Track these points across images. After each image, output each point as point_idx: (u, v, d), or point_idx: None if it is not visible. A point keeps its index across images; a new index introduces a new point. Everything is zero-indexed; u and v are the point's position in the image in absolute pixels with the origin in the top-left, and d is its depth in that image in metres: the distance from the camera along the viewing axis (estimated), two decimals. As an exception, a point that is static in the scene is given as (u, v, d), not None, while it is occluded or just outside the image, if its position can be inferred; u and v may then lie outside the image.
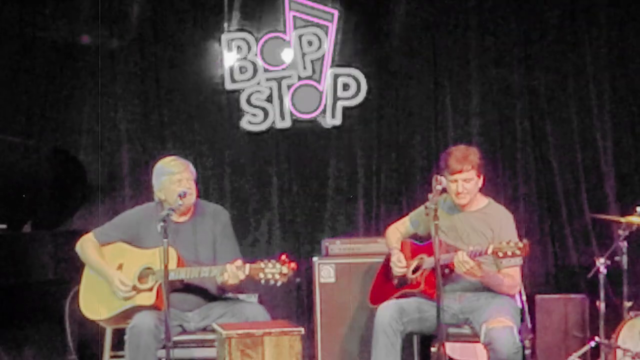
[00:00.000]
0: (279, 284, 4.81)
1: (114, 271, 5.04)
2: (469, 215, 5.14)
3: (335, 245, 6.30)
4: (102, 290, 5.07)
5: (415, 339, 5.55)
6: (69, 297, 5.56)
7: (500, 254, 4.71)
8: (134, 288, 5.01)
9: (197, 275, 4.94)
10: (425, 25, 6.87)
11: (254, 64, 6.86)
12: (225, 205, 6.64)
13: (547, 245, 6.75)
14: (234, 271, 4.83)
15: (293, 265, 4.81)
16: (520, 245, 4.69)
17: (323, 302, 6.12)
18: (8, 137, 6.32)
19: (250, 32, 6.86)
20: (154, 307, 4.92)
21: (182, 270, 4.94)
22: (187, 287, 5.06)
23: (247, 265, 4.85)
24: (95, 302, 5.11)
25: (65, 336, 6.02)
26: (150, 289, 4.98)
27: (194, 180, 5.14)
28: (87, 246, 5.17)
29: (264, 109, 6.86)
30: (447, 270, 5.00)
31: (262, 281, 4.81)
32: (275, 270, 4.79)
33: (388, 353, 4.96)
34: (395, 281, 5.29)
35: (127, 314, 4.99)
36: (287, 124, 6.87)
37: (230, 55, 6.85)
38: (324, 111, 6.87)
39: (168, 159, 5.22)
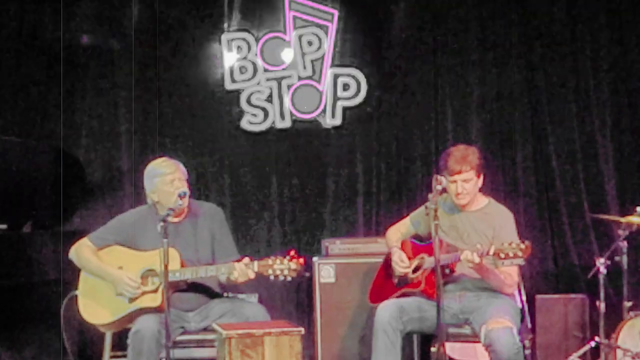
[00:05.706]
0: (289, 279, 4.83)
1: (119, 271, 5.01)
2: (470, 215, 5.13)
3: (335, 245, 6.29)
4: (103, 294, 5.04)
5: (415, 339, 5.54)
6: (64, 304, 5.23)
7: (502, 255, 4.69)
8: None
9: (204, 274, 4.93)
10: (425, 25, 6.88)
11: (254, 64, 6.86)
12: (226, 206, 6.66)
13: (547, 246, 6.75)
14: (243, 269, 4.85)
15: (301, 260, 4.84)
16: (522, 246, 4.66)
17: (323, 302, 6.11)
18: (8, 137, 6.32)
19: (250, 32, 6.86)
20: (160, 309, 4.85)
21: (187, 270, 4.93)
22: (190, 287, 5.05)
23: (255, 263, 4.86)
24: (96, 306, 5.06)
25: (61, 340, 6.01)
26: (155, 291, 4.96)
27: (186, 179, 5.13)
28: (82, 251, 5.11)
29: (264, 109, 6.86)
30: (447, 270, 5.00)
31: (272, 277, 4.83)
32: (284, 267, 4.81)
33: (388, 352, 4.95)
34: (396, 280, 5.28)
35: (131, 317, 4.96)
36: (287, 124, 6.87)
37: (230, 55, 6.85)
38: (324, 111, 6.87)
39: (159, 160, 5.22)
